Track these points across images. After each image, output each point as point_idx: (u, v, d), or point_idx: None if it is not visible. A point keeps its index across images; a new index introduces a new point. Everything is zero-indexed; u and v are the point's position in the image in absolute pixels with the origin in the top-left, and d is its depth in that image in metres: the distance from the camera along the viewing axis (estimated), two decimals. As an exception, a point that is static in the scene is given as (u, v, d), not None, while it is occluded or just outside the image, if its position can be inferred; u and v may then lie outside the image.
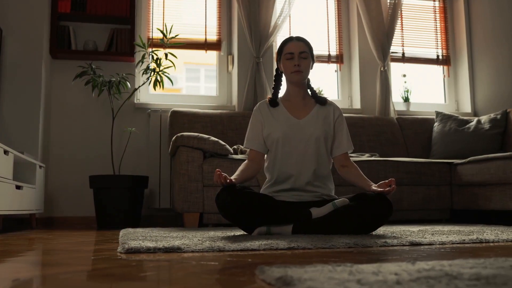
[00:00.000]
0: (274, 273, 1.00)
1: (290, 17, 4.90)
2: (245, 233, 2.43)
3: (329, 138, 2.56)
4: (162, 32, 4.05)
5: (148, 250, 1.66)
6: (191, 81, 8.42)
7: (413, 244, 1.87)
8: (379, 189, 2.30)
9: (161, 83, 4.07)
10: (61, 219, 4.12)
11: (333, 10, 5.06)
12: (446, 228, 2.83)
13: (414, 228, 2.80)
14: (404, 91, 5.02)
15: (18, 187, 2.96)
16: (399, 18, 5.12)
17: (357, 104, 4.88)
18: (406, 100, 5.00)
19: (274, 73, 2.74)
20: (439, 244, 1.89)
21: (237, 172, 2.49)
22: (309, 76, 2.70)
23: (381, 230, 2.65)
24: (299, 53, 2.54)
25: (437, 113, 4.60)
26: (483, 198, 3.50)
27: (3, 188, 2.66)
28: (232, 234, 2.44)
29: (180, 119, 4.14)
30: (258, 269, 1.08)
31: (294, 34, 4.81)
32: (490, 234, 2.20)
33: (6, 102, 3.78)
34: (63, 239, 2.40)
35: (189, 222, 3.43)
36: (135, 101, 4.42)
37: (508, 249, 1.71)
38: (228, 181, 2.27)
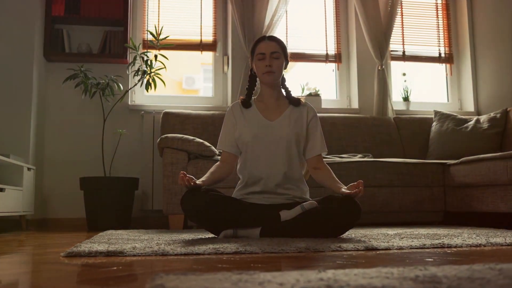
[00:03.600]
0: (160, 281, 0.97)
1: (287, 16, 4.85)
2: (214, 235, 2.40)
3: (301, 140, 2.51)
4: (152, 33, 4.04)
5: (89, 254, 1.64)
6: (208, 82, 8.44)
7: (368, 249, 1.81)
8: (347, 191, 2.24)
9: (153, 85, 4.06)
10: (54, 221, 4.15)
11: (331, 9, 4.99)
12: (427, 231, 2.75)
13: (392, 231, 2.73)
14: (404, 90, 4.92)
15: (-1, 190, 2.98)
16: (399, 16, 5.02)
17: (355, 104, 4.80)
18: (406, 99, 4.90)
19: (249, 73, 2.70)
20: (396, 249, 1.83)
21: (206, 174, 2.46)
22: (285, 76, 2.66)
23: (354, 233, 2.59)
24: (270, 53, 2.50)
25: (436, 112, 4.49)
26: (475, 199, 3.40)
27: (-21, 191, 2.68)
28: (204, 237, 2.40)
29: (172, 121, 4.13)
30: (154, 276, 1.05)
31: (289, 34, 4.85)
32: (458, 239, 2.12)
33: (-3, 105, 3.82)
34: (32, 241, 2.40)
35: (173, 224, 3.42)
36: (129, 103, 4.43)
37: (462, 255, 1.64)
38: (192, 183, 2.24)
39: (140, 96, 4.53)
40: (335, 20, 4.97)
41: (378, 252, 1.73)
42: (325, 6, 4.99)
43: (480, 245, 1.93)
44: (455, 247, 1.90)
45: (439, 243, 1.94)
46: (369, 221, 3.63)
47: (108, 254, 1.65)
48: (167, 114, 4.18)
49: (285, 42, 4.74)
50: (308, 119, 2.56)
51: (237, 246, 1.79)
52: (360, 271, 1.08)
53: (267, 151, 2.46)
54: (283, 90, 2.64)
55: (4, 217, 3.62)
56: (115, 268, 1.33)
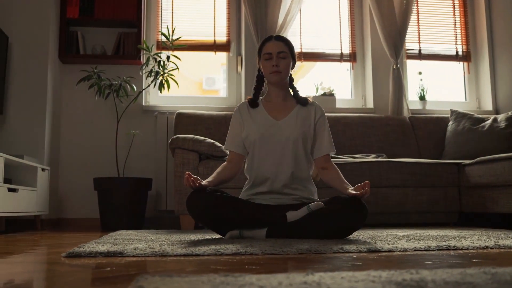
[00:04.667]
0: (141, 282, 0.96)
1: (300, 15, 4.83)
2: (221, 236, 2.39)
3: (309, 140, 2.49)
4: (164, 35, 4.06)
5: (90, 254, 1.65)
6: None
7: (370, 251, 1.78)
8: (353, 192, 2.21)
9: (166, 86, 4.08)
10: (69, 221, 4.20)
11: (346, 7, 4.95)
12: (439, 232, 2.70)
13: (402, 232, 2.69)
14: (420, 89, 4.85)
15: (11, 190, 3.02)
16: (415, 14, 4.95)
17: (370, 104, 4.76)
18: (422, 98, 4.83)
19: (257, 73, 2.68)
20: (400, 251, 1.80)
21: (212, 175, 2.46)
22: (293, 76, 2.64)
23: (362, 234, 2.55)
24: (277, 53, 2.48)
25: (452, 112, 4.41)
26: (490, 200, 3.33)
27: (-9, 191, 2.73)
28: (211, 237, 2.40)
29: (185, 121, 4.15)
30: (138, 278, 1.05)
31: (303, 33, 4.82)
32: (467, 241, 2.08)
33: (12, 108, 3.88)
34: (41, 241, 2.43)
35: (185, 225, 3.43)
36: (144, 104, 4.46)
37: (465, 257, 1.60)
38: (197, 184, 2.24)
39: (154, 97, 4.56)
40: (349, 18, 4.93)
41: (380, 254, 1.70)
42: (339, 4, 4.95)
43: (487, 247, 1.88)
44: (461, 249, 1.86)
45: (445, 245, 1.90)
46: (382, 222, 3.60)
47: (108, 254, 1.66)
48: (180, 115, 4.19)
49: (299, 42, 4.77)
50: (315, 119, 2.53)
51: (238, 247, 1.78)
52: (348, 274, 1.06)
53: (273, 151, 2.45)
54: (290, 90, 2.62)
55: (19, 217, 3.68)
56: (108, 269, 1.33)
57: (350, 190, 2.26)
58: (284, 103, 2.57)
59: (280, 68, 2.47)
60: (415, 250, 1.82)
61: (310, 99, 2.59)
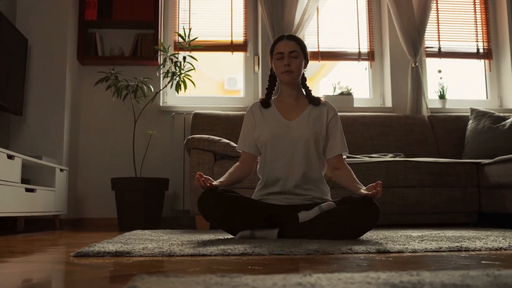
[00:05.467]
0: (135, 282, 0.97)
1: (318, 14, 4.81)
2: (233, 236, 2.39)
3: (321, 140, 2.47)
4: (180, 35, 4.08)
5: (98, 254, 1.67)
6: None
7: (380, 252, 1.76)
8: (365, 192, 2.19)
9: (183, 86, 4.10)
10: (88, 221, 4.26)
11: (364, 5, 4.90)
12: (455, 233, 2.66)
13: (418, 233, 2.65)
14: (440, 88, 4.78)
15: (29, 190, 3.08)
16: (435, 12, 4.89)
17: (389, 103, 4.71)
18: (442, 97, 4.75)
19: (269, 73, 2.68)
20: (409, 252, 1.77)
21: (225, 175, 2.46)
22: (305, 75, 2.62)
23: (376, 234, 2.52)
24: (289, 53, 2.46)
25: (472, 110, 4.34)
26: (509, 200, 3.26)
27: (9, 192, 2.77)
28: (223, 237, 2.40)
29: (201, 121, 4.16)
30: (136, 277, 1.05)
31: (321, 32, 4.79)
32: (481, 242, 2.04)
33: (32, 109, 3.95)
34: (58, 240, 2.46)
35: (200, 225, 3.44)
36: (161, 104, 4.49)
37: (475, 259, 1.57)
38: (208, 184, 2.24)
39: (172, 98, 4.59)
40: (367, 17, 4.88)
41: (388, 255, 1.68)
42: (357, 2, 4.91)
43: (500, 248, 1.84)
44: (473, 250, 1.82)
45: (456, 246, 1.86)
46: (399, 222, 3.55)
47: (116, 254, 1.67)
48: (197, 115, 4.21)
49: (316, 41, 4.74)
50: (328, 119, 2.51)
51: (246, 248, 1.77)
52: (347, 276, 1.05)
53: (285, 151, 2.44)
54: (303, 90, 2.61)
55: (38, 216, 3.74)
56: (111, 268, 1.34)
57: (362, 190, 2.24)
58: (297, 103, 2.55)
59: (292, 67, 2.46)
60: (425, 251, 1.79)
61: (323, 99, 2.58)
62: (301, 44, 2.53)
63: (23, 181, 3.13)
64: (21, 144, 3.87)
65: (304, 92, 2.61)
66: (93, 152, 4.36)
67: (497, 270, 1.12)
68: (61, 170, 3.69)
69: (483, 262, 1.48)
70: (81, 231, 3.45)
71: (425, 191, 3.52)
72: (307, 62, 2.57)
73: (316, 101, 2.55)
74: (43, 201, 3.30)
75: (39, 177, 3.46)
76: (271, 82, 2.64)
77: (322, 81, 4.93)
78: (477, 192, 3.58)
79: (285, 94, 2.57)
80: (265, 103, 2.58)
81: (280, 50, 2.48)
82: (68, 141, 4.07)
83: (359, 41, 4.85)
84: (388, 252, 1.77)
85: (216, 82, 6.73)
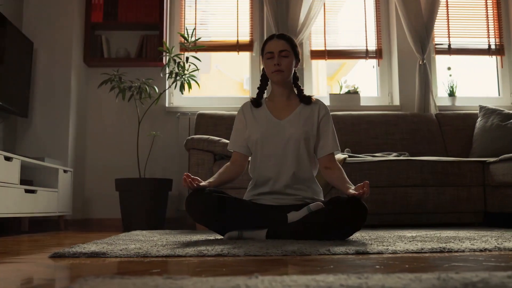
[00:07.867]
0: (78, 284, 0.97)
1: (324, 12, 4.76)
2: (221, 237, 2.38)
3: (311, 139, 2.44)
4: (183, 36, 4.09)
5: (74, 255, 1.68)
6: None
7: (358, 253, 1.72)
8: (353, 192, 2.16)
9: (187, 87, 4.11)
10: (94, 221, 4.30)
11: (371, 3, 4.84)
12: (453, 233, 2.60)
13: (413, 233, 2.60)
14: (449, 85, 4.69)
15: (29, 191, 3.12)
16: (444, 8, 4.80)
17: (397, 101, 4.64)
18: (452, 94, 4.66)
19: (261, 72, 2.66)
20: (389, 253, 1.74)
21: (214, 175, 2.46)
22: (297, 74, 2.60)
23: (368, 235, 2.48)
24: (279, 52, 2.44)
25: (481, 108, 4.25)
26: (514, 200, 3.18)
27: (7, 193, 2.82)
28: (213, 238, 2.40)
29: (205, 122, 4.17)
30: (80, 279, 1.05)
31: (328, 31, 4.74)
32: (469, 243, 1.99)
33: (37, 111, 4.00)
34: (57, 240, 2.49)
35: (200, 225, 3.43)
36: (167, 105, 4.51)
37: (453, 260, 1.53)
38: (195, 184, 2.24)
39: (177, 98, 4.60)
40: (375, 14, 4.82)
41: (366, 257, 1.64)
42: (364, 0, 4.85)
43: (485, 250, 1.79)
44: (456, 251, 1.78)
45: (439, 247, 1.82)
46: (401, 222, 3.49)
47: (91, 255, 1.68)
48: (201, 115, 4.22)
49: (322, 40, 4.70)
50: (319, 117, 2.48)
51: (223, 249, 1.76)
52: (291, 278, 1.03)
53: (275, 150, 2.42)
54: (295, 89, 2.58)
55: (42, 217, 3.79)
56: (75, 269, 1.34)
57: (350, 190, 2.21)
58: (288, 102, 2.53)
59: (282, 67, 2.44)
60: (405, 253, 1.75)
61: (314, 98, 2.55)
62: (291, 43, 2.50)
63: (25, 182, 3.18)
64: (27, 145, 3.93)
65: (296, 91, 2.59)
66: (99, 153, 4.40)
67: (455, 273, 1.08)
68: (65, 171, 3.73)
69: (454, 264, 1.43)
70: (84, 232, 3.48)
71: (428, 191, 3.45)
72: (299, 61, 2.55)
73: (307, 100, 2.52)
74: (45, 202, 3.34)
75: (41, 178, 3.50)
76: (263, 81, 2.63)
77: (343, 79, 4.87)
78: (483, 191, 3.50)
79: (276, 94, 2.55)
80: (256, 102, 2.56)
81: (270, 50, 2.46)
82: (74, 143, 4.12)
83: (366, 39, 4.79)
84: (367, 253, 1.73)
85: (236, 82, 6.74)
